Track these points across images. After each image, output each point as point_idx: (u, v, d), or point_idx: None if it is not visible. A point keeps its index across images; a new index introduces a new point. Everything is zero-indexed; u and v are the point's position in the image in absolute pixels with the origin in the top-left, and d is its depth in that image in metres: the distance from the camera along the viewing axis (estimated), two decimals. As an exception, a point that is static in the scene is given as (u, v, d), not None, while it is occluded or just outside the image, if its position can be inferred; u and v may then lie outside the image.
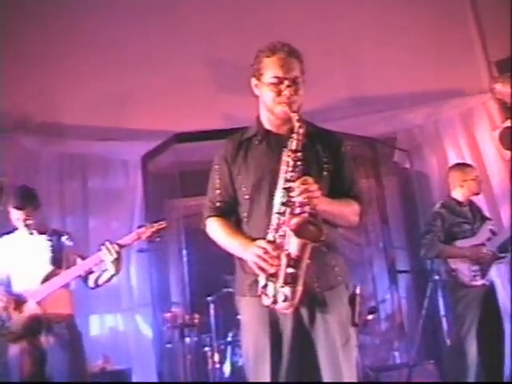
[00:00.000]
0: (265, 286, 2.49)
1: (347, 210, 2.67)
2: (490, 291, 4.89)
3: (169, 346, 6.21)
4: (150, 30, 6.22)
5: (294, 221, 2.43)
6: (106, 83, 6.09)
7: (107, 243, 3.85)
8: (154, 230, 3.91)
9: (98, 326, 6.16)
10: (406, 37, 6.22)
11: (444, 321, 5.36)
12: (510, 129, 5.79)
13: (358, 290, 2.66)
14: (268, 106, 2.66)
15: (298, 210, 2.45)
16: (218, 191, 2.75)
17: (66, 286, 4.05)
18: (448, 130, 6.57)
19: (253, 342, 2.60)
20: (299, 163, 2.50)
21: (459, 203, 5.05)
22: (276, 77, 2.60)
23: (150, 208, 6.22)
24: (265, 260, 2.45)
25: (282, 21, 6.17)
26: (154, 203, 6.33)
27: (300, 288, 2.43)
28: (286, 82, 2.58)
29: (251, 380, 2.60)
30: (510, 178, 6.13)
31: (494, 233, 5.02)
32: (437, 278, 5.08)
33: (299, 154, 2.51)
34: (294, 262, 2.41)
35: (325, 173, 2.66)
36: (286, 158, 2.52)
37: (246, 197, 2.67)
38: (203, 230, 2.81)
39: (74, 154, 6.30)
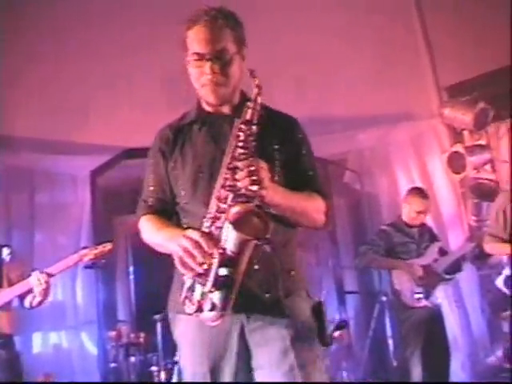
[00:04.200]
0: (191, 289, 1.97)
1: (309, 206, 2.15)
2: (435, 313, 4.92)
3: (113, 365, 6.10)
4: (101, 44, 6.14)
5: (235, 209, 1.90)
6: (57, 96, 5.99)
7: (36, 272, 3.75)
8: (97, 252, 3.83)
9: (41, 344, 6.01)
10: (359, 61, 6.28)
11: (390, 341, 5.38)
12: (458, 153, 5.88)
13: (322, 298, 2.22)
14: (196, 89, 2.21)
15: (243, 198, 1.93)
16: (151, 188, 2.28)
17: (7, 304, 3.94)
18: (398, 153, 6.66)
19: (191, 371, 2.14)
20: (252, 139, 1.99)
21: (407, 224, 5.08)
22: (196, 53, 2.13)
23: (98, 224, 6.14)
24: (192, 256, 1.88)
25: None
26: (101, 219, 6.25)
27: (233, 297, 1.90)
28: (208, 58, 2.10)
29: None
30: (457, 200, 6.23)
31: (443, 252, 5.06)
32: (384, 299, 5.11)
33: (253, 128, 1.99)
34: (230, 262, 1.87)
35: (277, 160, 2.16)
36: (237, 131, 2.01)
37: (183, 192, 2.20)
38: (139, 235, 2.29)
39: (22, 167, 6.16)
